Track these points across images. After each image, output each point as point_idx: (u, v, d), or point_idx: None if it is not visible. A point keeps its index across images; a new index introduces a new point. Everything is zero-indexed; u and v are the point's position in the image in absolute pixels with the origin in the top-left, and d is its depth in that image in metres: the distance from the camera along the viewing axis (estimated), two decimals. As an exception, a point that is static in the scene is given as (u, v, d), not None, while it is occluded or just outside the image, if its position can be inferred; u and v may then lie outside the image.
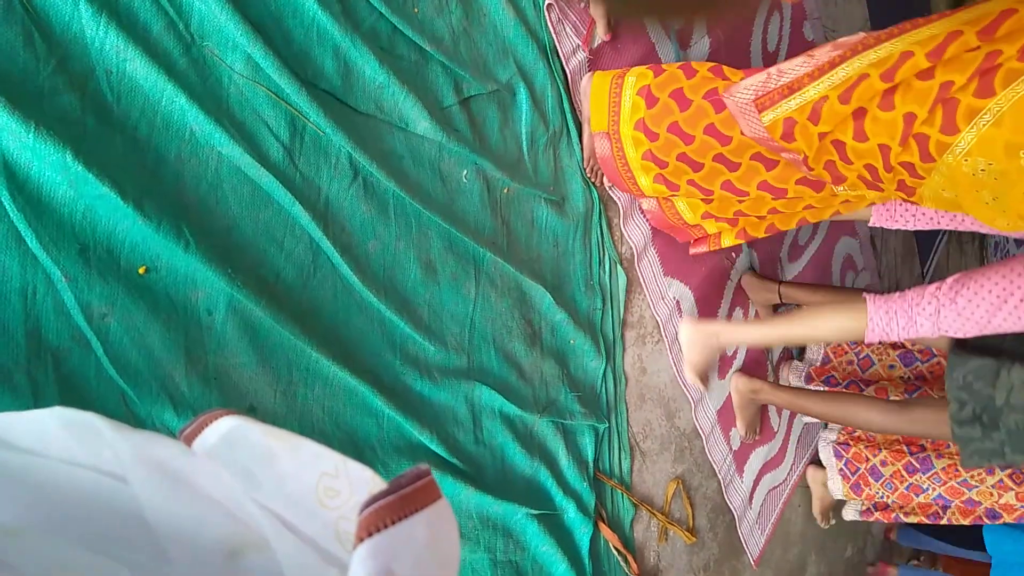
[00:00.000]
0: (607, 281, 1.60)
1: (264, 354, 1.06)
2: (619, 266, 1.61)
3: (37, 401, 0.86)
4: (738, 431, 2.01)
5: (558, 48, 1.43)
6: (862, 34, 1.06)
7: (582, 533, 1.47)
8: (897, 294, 1.42)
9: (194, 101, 0.97)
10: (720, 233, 1.54)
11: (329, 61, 1.13)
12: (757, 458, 2.12)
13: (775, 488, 2.23)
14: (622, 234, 1.62)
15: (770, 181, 1.28)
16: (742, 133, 1.20)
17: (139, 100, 0.95)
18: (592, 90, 1.39)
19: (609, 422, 1.60)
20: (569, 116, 1.48)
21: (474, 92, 1.33)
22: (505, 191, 1.39)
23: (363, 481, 0.47)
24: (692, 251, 1.63)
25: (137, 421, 0.94)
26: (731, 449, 2.01)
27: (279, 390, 1.08)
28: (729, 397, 1.97)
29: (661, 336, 1.74)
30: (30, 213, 0.85)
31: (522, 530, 1.37)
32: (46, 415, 0.52)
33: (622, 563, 1.60)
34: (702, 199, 1.41)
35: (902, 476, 2.00)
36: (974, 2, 0.99)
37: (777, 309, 2.08)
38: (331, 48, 1.13)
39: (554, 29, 1.42)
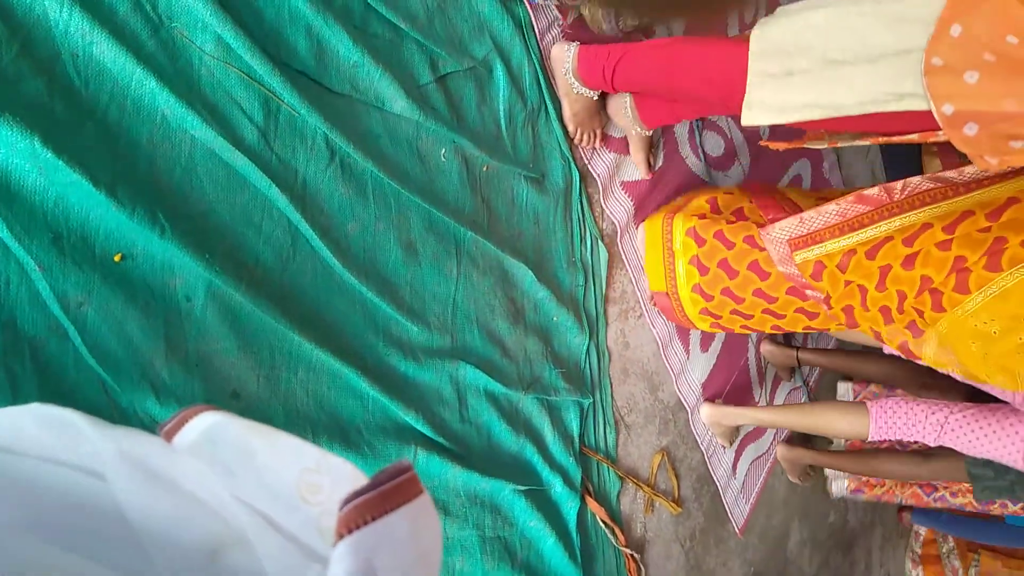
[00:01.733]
0: (588, 257, 1.60)
1: (246, 339, 1.05)
2: (600, 242, 1.62)
3: (15, 393, 0.85)
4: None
5: (533, 23, 1.42)
6: (877, 189, 1.17)
7: (569, 507, 1.48)
8: (903, 408, 1.60)
9: (164, 84, 0.95)
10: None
11: (302, 40, 1.11)
12: (740, 429, 2.15)
13: (759, 458, 2.26)
14: (603, 209, 1.62)
15: (806, 312, 1.44)
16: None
17: (108, 84, 0.93)
18: (647, 250, 1.59)
19: (593, 397, 1.61)
20: (547, 92, 1.46)
21: (450, 69, 1.31)
22: (484, 169, 1.38)
23: (345, 476, 0.47)
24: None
25: (119, 410, 0.94)
26: (715, 420, 2.03)
27: (262, 375, 1.07)
28: (713, 368, 1.99)
29: (643, 311, 1.75)
30: None
31: (510, 506, 1.38)
32: (23, 412, 0.51)
33: (609, 535, 1.63)
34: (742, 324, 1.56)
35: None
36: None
37: (794, 372, 2.32)
38: (303, 27, 1.11)
39: (529, 3, 1.40)
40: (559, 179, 1.53)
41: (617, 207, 1.65)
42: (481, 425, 1.37)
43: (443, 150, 1.31)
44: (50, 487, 0.52)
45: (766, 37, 1.04)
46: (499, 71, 1.39)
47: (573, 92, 1.44)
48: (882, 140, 1.03)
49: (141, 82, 0.94)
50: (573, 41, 1.42)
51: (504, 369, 1.41)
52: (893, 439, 1.61)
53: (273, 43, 1.08)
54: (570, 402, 1.53)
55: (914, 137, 0.98)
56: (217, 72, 1.03)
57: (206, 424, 0.50)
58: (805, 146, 1.19)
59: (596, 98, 1.46)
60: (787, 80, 1.02)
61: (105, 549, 0.51)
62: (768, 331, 1.52)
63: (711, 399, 1.99)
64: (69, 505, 0.52)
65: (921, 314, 1.18)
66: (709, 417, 1.96)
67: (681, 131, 1.80)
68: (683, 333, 1.87)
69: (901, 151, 2.77)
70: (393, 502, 0.42)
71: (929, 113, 0.91)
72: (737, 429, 2.09)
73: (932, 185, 1.16)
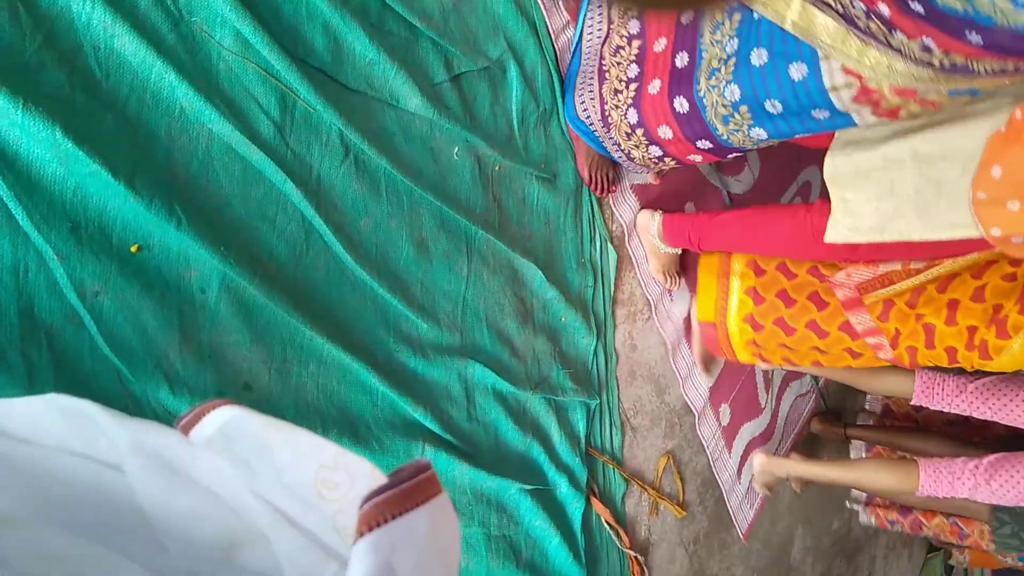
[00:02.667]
0: (598, 259, 1.61)
1: (258, 332, 1.06)
2: (610, 244, 1.62)
3: (32, 380, 0.86)
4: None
5: (548, 24, 1.43)
6: None
7: (574, 508, 1.49)
8: (945, 461, 1.69)
9: (183, 77, 0.96)
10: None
11: (319, 37, 1.12)
12: (745, 433, 2.14)
13: (763, 463, 2.25)
14: (612, 212, 1.63)
15: (852, 352, 1.46)
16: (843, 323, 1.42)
17: (128, 76, 0.94)
18: (700, 277, 1.63)
19: (600, 398, 1.61)
20: (559, 94, 1.47)
21: (465, 69, 1.32)
22: (496, 168, 1.39)
23: (363, 474, 0.47)
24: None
25: (132, 399, 0.94)
26: (720, 425, 2.03)
27: (273, 368, 1.08)
28: (721, 373, 1.99)
29: (651, 314, 1.75)
30: (20, 191, 0.85)
31: (515, 505, 1.39)
32: (41, 403, 0.52)
33: (614, 537, 1.63)
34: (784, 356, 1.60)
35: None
36: None
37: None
38: (321, 24, 1.12)
39: (544, 5, 1.41)
40: (570, 179, 1.54)
41: (626, 209, 1.65)
42: (488, 423, 1.37)
43: (456, 148, 1.31)
44: (66, 477, 0.52)
45: (837, 174, 1.18)
46: (513, 71, 1.39)
47: (660, 252, 1.64)
48: (948, 262, 1.20)
49: (160, 75, 0.95)
50: (655, 209, 1.62)
51: (512, 368, 1.41)
52: (939, 495, 1.67)
53: (290, 39, 1.09)
54: (577, 403, 1.54)
55: (974, 256, 1.19)
56: (235, 67, 1.04)
57: (223, 419, 0.50)
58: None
59: (680, 253, 1.66)
60: (857, 207, 1.16)
61: (120, 539, 0.52)
62: (808, 365, 1.56)
63: (723, 403, 2.00)
64: (85, 495, 0.53)
65: (986, 348, 1.23)
66: (762, 466, 2.01)
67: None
68: (690, 337, 1.87)
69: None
70: (413, 501, 0.43)
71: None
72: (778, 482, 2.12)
73: None
